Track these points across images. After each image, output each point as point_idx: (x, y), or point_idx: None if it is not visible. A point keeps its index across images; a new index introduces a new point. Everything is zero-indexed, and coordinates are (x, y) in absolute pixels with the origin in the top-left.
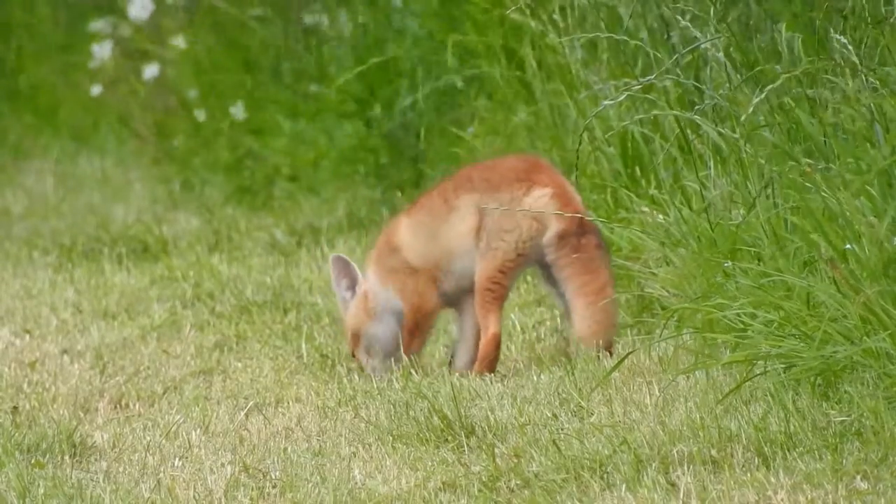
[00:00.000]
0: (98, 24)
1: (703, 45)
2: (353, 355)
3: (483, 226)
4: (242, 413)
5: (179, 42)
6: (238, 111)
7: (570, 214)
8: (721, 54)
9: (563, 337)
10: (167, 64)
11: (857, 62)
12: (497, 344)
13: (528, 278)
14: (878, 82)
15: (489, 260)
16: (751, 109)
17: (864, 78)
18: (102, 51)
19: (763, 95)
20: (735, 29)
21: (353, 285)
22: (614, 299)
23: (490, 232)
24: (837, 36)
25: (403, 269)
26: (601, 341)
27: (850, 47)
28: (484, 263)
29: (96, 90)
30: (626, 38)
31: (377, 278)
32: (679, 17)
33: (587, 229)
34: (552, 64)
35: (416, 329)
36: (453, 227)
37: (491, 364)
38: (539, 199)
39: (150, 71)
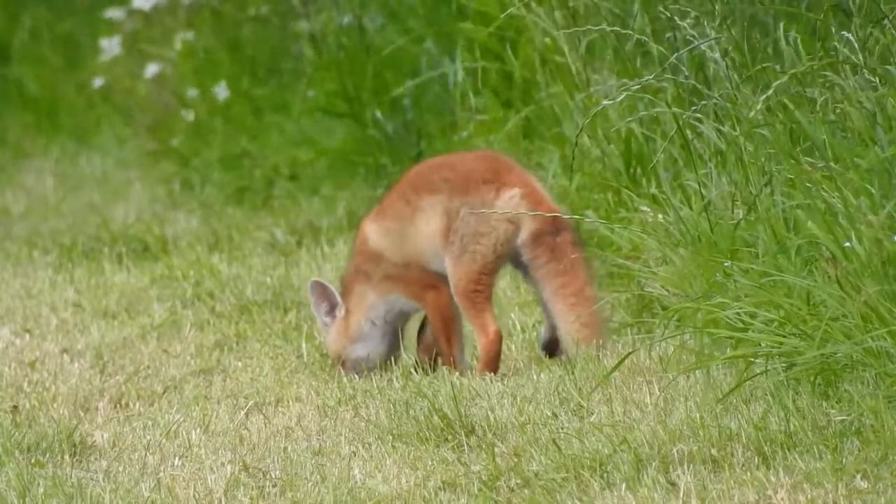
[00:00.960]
0: (112, 13)
1: (702, 46)
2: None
3: (453, 228)
4: (242, 412)
5: (181, 37)
6: (221, 90)
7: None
8: (718, 55)
9: (549, 338)
10: (168, 62)
11: (862, 60)
12: (500, 340)
13: None
14: (878, 80)
15: (468, 263)
16: (759, 106)
17: (866, 76)
18: (112, 45)
19: (770, 92)
20: (735, 29)
21: (332, 309)
22: (597, 298)
23: (464, 235)
24: (845, 34)
25: (395, 270)
26: (594, 341)
27: (855, 45)
28: (462, 267)
29: (98, 82)
30: (631, 31)
31: (373, 292)
32: (676, 18)
33: (561, 227)
34: (553, 62)
35: (448, 327)
36: (419, 229)
37: (494, 362)
38: (510, 200)
39: (151, 69)
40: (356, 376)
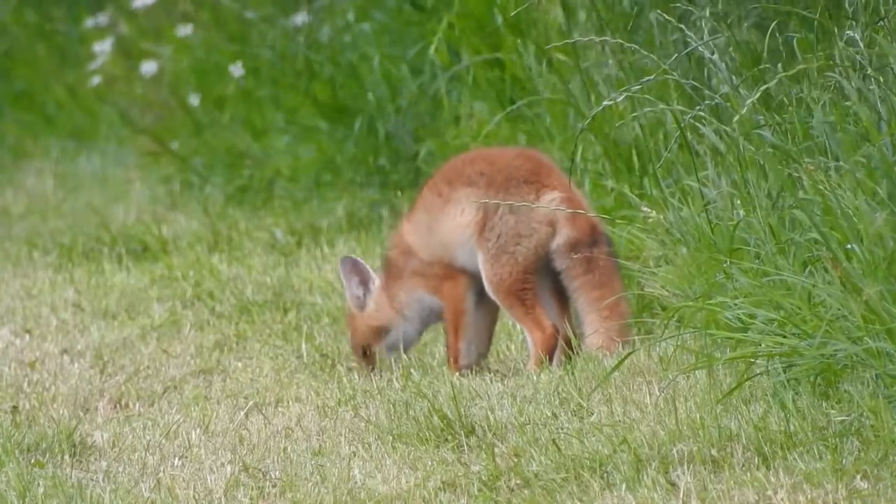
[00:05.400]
0: (97, 20)
1: (702, 46)
2: (365, 353)
3: (489, 224)
4: (242, 413)
5: (179, 31)
6: (237, 69)
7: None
8: (716, 56)
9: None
10: (167, 61)
11: (868, 60)
12: (557, 335)
13: None
14: (881, 79)
15: (509, 264)
16: (744, 109)
17: (872, 77)
18: (103, 47)
19: (759, 94)
20: (736, 29)
21: (365, 282)
22: (629, 312)
23: (502, 234)
24: (851, 33)
25: (421, 267)
26: (617, 351)
27: (860, 43)
28: (504, 267)
29: (96, 80)
30: (622, 42)
31: (403, 290)
32: (673, 20)
33: (598, 238)
34: (553, 61)
35: (457, 318)
36: (450, 220)
37: (549, 358)
38: (549, 202)
39: (149, 68)
40: (373, 364)
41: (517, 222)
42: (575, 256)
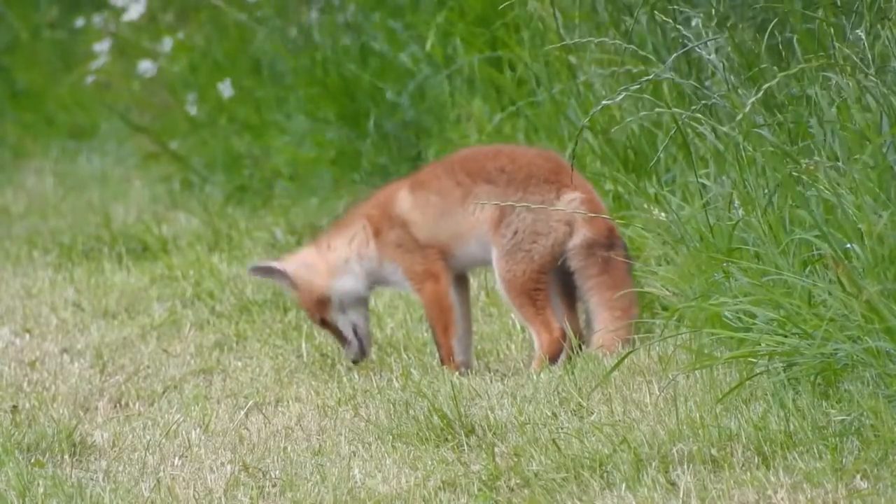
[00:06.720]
0: (94, 19)
1: (701, 46)
2: (324, 323)
3: (506, 221)
4: (242, 412)
5: (177, 37)
6: (226, 88)
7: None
8: (715, 56)
9: (576, 344)
10: (164, 60)
11: (870, 58)
12: (564, 338)
13: None
14: (879, 80)
15: (524, 262)
16: (747, 108)
17: (874, 76)
18: (103, 47)
19: (759, 94)
20: (736, 29)
21: (272, 273)
22: (638, 314)
23: (519, 231)
24: (858, 32)
25: (412, 245)
26: (618, 349)
27: (865, 43)
28: (518, 265)
29: (90, 79)
30: (620, 41)
31: (378, 247)
32: (673, 20)
33: (615, 241)
34: (553, 61)
35: (445, 316)
36: (469, 213)
37: (554, 360)
38: (570, 203)
39: (147, 67)
40: (340, 321)
41: (535, 220)
42: (598, 254)
